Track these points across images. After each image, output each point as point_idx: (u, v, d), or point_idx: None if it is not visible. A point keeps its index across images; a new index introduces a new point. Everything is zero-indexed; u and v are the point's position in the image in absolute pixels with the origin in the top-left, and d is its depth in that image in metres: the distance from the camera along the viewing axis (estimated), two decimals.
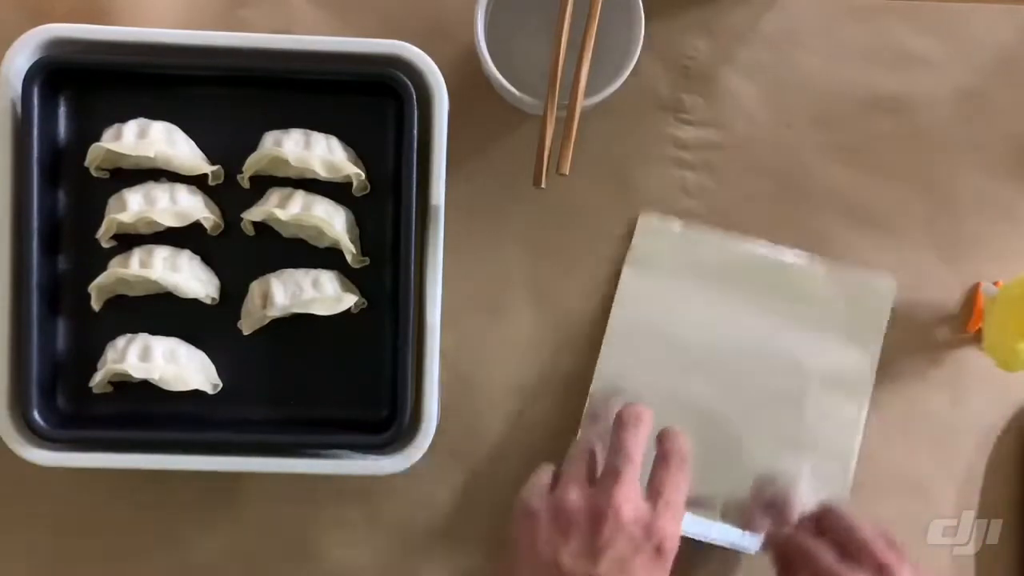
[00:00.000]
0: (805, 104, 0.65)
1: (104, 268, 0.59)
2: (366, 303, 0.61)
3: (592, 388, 0.64)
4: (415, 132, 0.58)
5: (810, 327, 0.64)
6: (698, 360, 0.64)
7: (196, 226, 0.59)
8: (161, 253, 0.59)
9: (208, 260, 0.61)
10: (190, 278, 0.59)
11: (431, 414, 0.59)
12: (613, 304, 0.64)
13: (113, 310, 0.60)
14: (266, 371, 0.61)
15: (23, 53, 0.58)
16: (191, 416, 0.60)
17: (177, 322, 0.60)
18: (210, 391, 0.60)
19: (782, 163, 0.65)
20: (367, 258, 0.61)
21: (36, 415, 0.58)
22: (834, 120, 0.65)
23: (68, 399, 0.60)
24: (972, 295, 0.66)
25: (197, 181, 0.60)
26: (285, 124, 0.59)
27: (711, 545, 0.63)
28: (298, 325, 0.60)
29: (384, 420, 0.60)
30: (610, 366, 0.64)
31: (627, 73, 0.58)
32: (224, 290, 0.61)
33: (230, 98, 0.60)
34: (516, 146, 0.64)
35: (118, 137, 0.58)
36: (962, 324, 0.66)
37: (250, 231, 0.60)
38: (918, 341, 0.66)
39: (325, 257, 0.60)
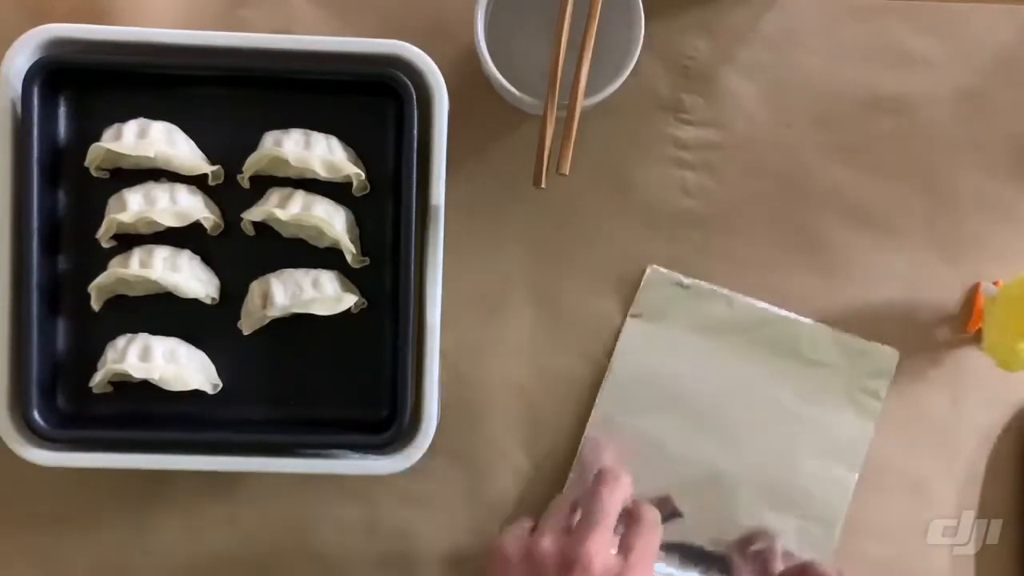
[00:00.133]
0: (805, 104, 0.65)
1: (104, 268, 0.59)
2: (366, 303, 0.61)
3: (586, 433, 0.64)
4: (415, 132, 0.58)
5: (810, 390, 0.65)
6: (695, 412, 0.64)
7: (196, 226, 0.59)
8: (161, 253, 0.59)
9: (208, 260, 0.61)
10: (190, 278, 0.59)
11: (431, 414, 0.59)
12: (614, 352, 0.64)
13: (113, 310, 0.60)
14: (266, 371, 0.61)
15: (23, 53, 0.58)
16: (191, 416, 0.60)
17: (177, 322, 0.60)
18: (210, 391, 0.60)
19: (782, 163, 0.65)
20: (367, 258, 0.61)
21: (36, 415, 0.58)
22: (834, 120, 0.65)
23: (68, 399, 0.60)
24: (972, 295, 0.66)
25: (197, 181, 0.60)
26: (285, 124, 0.59)
27: None
28: (298, 325, 0.60)
29: (384, 420, 0.60)
30: (606, 412, 0.64)
31: (627, 73, 0.58)
32: (224, 290, 0.61)
33: (230, 98, 0.60)
34: (516, 146, 0.64)
35: (118, 137, 0.58)
36: (962, 324, 0.66)
37: (250, 231, 0.60)
38: (918, 341, 0.66)
39: (325, 257, 0.60)
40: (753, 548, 0.64)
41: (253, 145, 0.59)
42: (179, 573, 0.64)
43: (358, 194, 0.61)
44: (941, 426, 0.66)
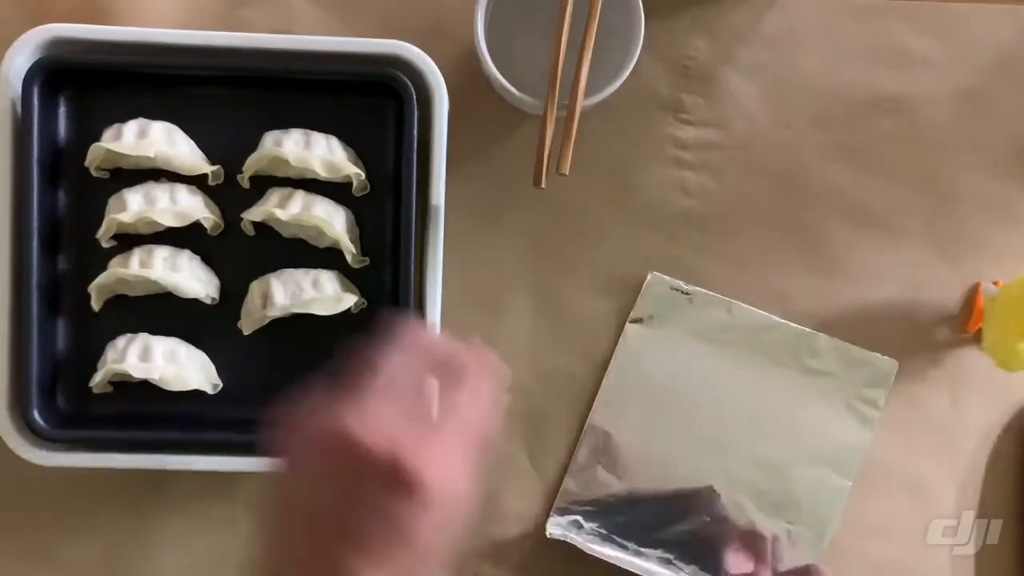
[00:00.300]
0: (805, 104, 0.65)
1: (104, 268, 0.59)
2: (366, 303, 0.61)
3: (583, 434, 0.64)
4: (415, 132, 0.58)
5: (808, 398, 0.64)
6: (692, 418, 0.64)
7: (196, 226, 0.59)
8: (161, 253, 0.59)
9: (208, 260, 0.61)
10: (190, 278, 0.59)
11: None
12: (613, 357, 0.64)
13: (113, 310, 0.60)
14: (266, 371, 0.61)
15: (23, 53, 0.58)
16: (191, 416, 0.60)
17: (177, 322, 0.60)
18: (210, 391, 0.60)
19: (782, 163, 0.65)
20: (367, 258, 0.61)
21: (36, 415, 0.58)
22: (834, 120, 0.65)
23: (68, 399, 0.60)
24: (972, 295, 0.66)
25: (197, 181, 0.60)
26: (285, 124, 0.59)
27: None
28: (298, 325, 0.60)
29: None
30: (605, 416, 0.64)
31: (627, 73, 0.58)
32: (224, 290, 0.61)
33: (230, 98, 0.60)
34: (516, 146, 0.64)
35: (118, 137, 0.58)
36: (962, 324, 0.66)
37: (250, 231, 0.60)
38: (918, 341, 0.66)
39: (325, 257, 0.60)
40: (747, 550, 0.64)
41: (253, 145, 0.59)
42: (179, 573, 0.64)
43: (358, 194, 0.61)
44: (941, 426, 0.66)
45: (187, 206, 0.59)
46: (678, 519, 0.64)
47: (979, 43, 0.66)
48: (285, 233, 0.61)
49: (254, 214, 0.59)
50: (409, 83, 0.58)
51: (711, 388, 0.64)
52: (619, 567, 0.62)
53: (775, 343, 0.65)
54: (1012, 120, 0.66)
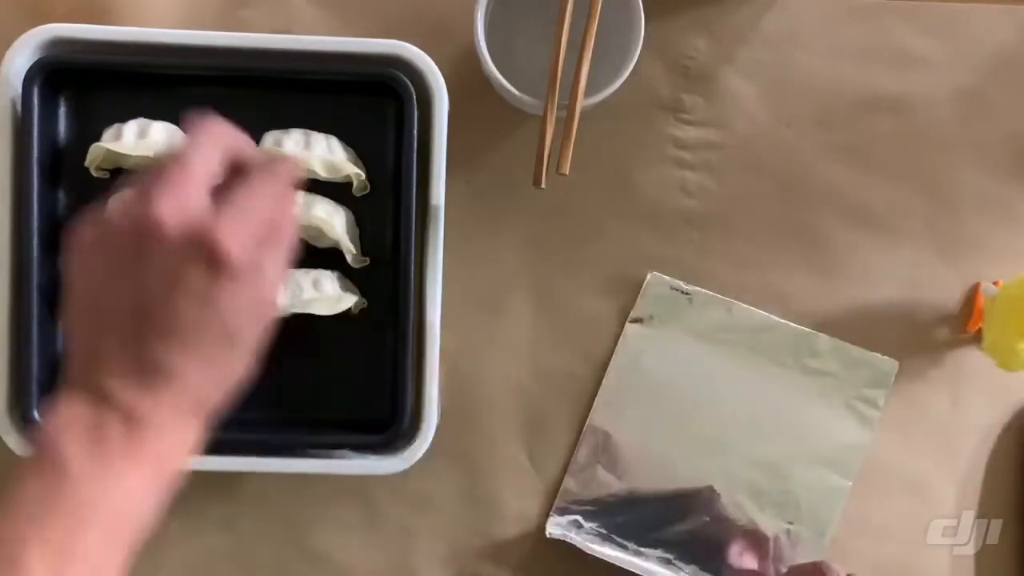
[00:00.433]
0: (805, 104, 0.65)
1: None
2: (366, 303, 0.61)
3: (583, 434, 0.64)
4: (415, 132, 0.58)
5: (808, 398, 0.64)
6: (692, 417, 0.64)
7: None
8: None
9: None
10: None
11: (431, 414, 0.59)
12: (613, 357, 0.64)
13: None
14: (266, 371, 0.61)
15: (23, 53, 0.58)
16: None
17: None
18: None
19: (782, 163, 0.65)
20: (367, 258, 0.61)
21: (36, 415, 0.58)
22: (834, 120, 0.65)
23: None
24: (972, 295, 0.66)
25: None
26: (285, 124, 0.59)
27: None
28: (298, 325, 0.60)
29: (384, 420, 0.60)
30: (605, 416, 0.64)
31: (627, 73, 0.58)
32: None
33: (230, 98, 0.60)
34: (516, 146, 0.64)
35: (118, 137, 0.58)
36: (962, 324, 0.66)
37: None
38: (918, 341, 0.66)
39: (325, 257, 0.60)
40: (751, 549, 0.64)
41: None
42: (179, 573, 0.64)
43: (358, 194, 0.61)
44: (941, 426, 0.66)
45: None
46: (678, 519, 0.64)
47: (979, 43, 0.66)
48: None
49: None
50: (409, 83, 0.58)
51: (711, 388, 0.64)
52: (619, 567, 0.62)
53: (775, 343, 0.65)
54: (1012, 120, 0.66)
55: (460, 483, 0.64)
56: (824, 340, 0.65)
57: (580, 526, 0.64)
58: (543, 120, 0.56)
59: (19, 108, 0.58)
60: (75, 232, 0.46)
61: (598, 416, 0.64)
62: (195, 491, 0.63)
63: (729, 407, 0.64)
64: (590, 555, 0.62)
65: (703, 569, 0.63)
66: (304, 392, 0.61)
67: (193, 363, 0.43)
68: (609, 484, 0.64)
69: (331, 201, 0.60)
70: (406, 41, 0.59)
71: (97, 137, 0.59)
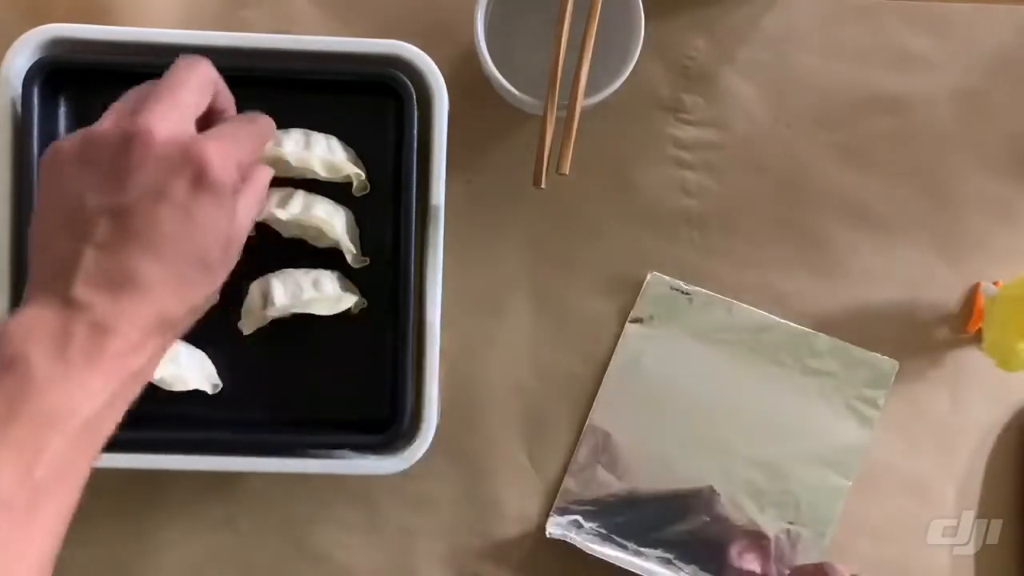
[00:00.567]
0: (805, 104, 0.65)
1: None
2: (366, 303, 0.61)
3: (583, 434, 0.64)
4: (415, 132, 0.58)
5: (808, 398, 0.64)
6: (692, 417, 0.64)
7: None
8: None
9: None
10: None
11: (431, 414, 0.59)
12: (612, 356, 0.64)
13: None
14: (266, 371, 0.61)
15: (23, 53, 0.58)
16: (191, 416, 0.60)
17: None
18: (210, 391, 0.60)
19: (782, 163, 0.65)
20: (367, 258, 0.61)
21: None
22: (834, 120, 0.65)
23: None
24: (972, 295, 0.66)
25: None
26: (285, 124, 0.59)
27: None
28: (298, 325, 0.60)
29: (384, 420, 0.60)
30: (605, 416, 0.64)
31: (627, 73, 0.58)
32: (224, 290, 0.61)
33: None
34: (516, 146, 0.64)
35: None
36: (962, 324, 0.66)
37: (250, 231, 0.60)
38: (918, 341, 0.66)
39: (325, 257, 0.60)
40: (752, 549, 0.64)
41: None
42: (179, 573, 0.64)
43: (358, 194, 0.61)
44: (941, 426, 0.66)
45: None
46: (678, 519, 0.64)
47: (979, 43, 0.66)
48: (285, 233, 0.61)
49: None
50: (409, 83, 0.58)
51: (711, 388, 0.64)
52: (619, 567, 0.63)
53: (775, 343, 0.65)
54: (1012, 120, 0.66)
55: (460, 483, 0.64)
56: (824, 340, 0.65)
57: (580, 526, 0.64)
58: (543, 120, 0.56)
59: (19, 108, 0.58)
60: (56, 143, 0.46)
61: (598, 416, 0.64)
62: (195, 491, 0.64)
63: (729, 407, 0.64)
64: (590, 555, 0.62)
65: (703, 569, 0.63)
66: (304, 392, 0.61)
67: (164, 277, 0.44)
68: (609, 484, 0.64)
69: (331, 201, 0.60)
70: (406, 41, 0.59)
71: None
